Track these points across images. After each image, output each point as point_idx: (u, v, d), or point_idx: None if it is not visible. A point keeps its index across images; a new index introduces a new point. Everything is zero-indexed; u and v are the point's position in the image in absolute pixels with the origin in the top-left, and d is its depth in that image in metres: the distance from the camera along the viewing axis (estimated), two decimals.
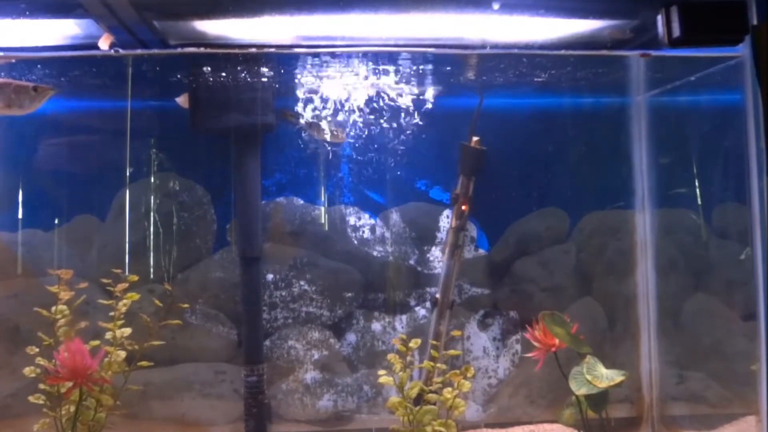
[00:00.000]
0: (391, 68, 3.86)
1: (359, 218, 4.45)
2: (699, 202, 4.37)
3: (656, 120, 4.36)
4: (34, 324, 3.54)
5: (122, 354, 3.45)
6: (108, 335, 3.47)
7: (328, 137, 4.20)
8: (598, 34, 3.48)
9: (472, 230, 4.49)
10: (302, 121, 4.20)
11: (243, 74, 3.86)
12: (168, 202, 4.34)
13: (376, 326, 4.39)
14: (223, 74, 3.84)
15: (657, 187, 4.36)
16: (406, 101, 4.30)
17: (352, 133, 4.31)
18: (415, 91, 4.25)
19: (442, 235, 4.45)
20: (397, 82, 4.11)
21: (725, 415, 4.09)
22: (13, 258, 4.21)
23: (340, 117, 4.27)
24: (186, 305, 3.95)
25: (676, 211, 4.48)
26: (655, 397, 4.31)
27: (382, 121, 4.31)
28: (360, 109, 4.28)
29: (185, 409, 4.20)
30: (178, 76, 3.90)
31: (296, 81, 4.07)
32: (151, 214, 4.29)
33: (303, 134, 4.30)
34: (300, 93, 4.21)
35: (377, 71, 3.91)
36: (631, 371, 3.97)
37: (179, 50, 3.44)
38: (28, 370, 3.37)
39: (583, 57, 3.75)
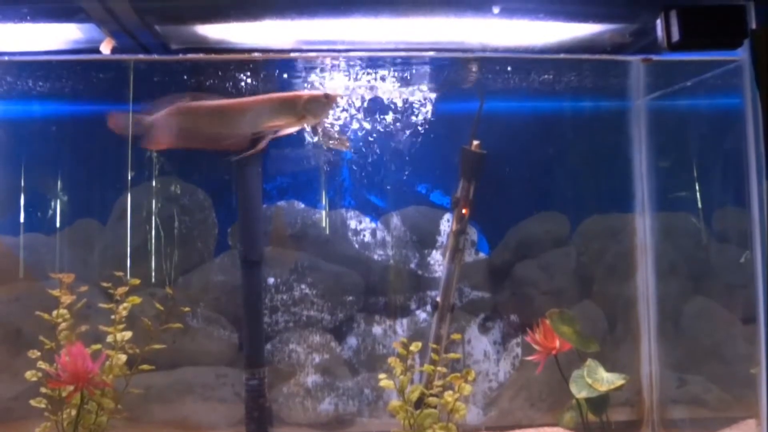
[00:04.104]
0: (392, 72, 3.88)
1: (360, 222, 4.46)
2: (699, 205, 4.38)
3: (656, 124, 4.37)
4: (36, 327, 3.55)
5: (123, 357, 3.45)
6: (109, 339, 3.47)
7: (332, 144, 4.20)
8: (598, 38, 3.50)
9: (473, 234, 4.50)
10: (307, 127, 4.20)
11: (244, 78, 3.87)
12: (169, 205, 4.35)
13: (377, 330, 4.39)
14: (225, 78, 3.86)
15: (657, 190, 4.36)
16: (406, 105, 4.31)
17: (352, 137, 4.31)
18: (416, 94, 4.26)
19: (442, 238, 4.46)
20: (397, 86, 4.12)
21: (725, 418, 4.09)
22: (15, 262, 4.22)
23: (341, 122, 4.27)
24: (187, 309, 3.96)
25: (676, 215, 4.49)
26: (655, 401, 4.31)
27: (382, 125, 4.32)
28: (360, 113, 4.29)
29: (186, 413, 4.20)
30: (180, 78, 3.91)
31: (297, 85, 4.07)
32: (153, 217, 4.30)
33: (305, 142, 4.29)
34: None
35: (378, 75, 3.92)
36: (631, 374, 3.97)
37: (181, 55, 3.45)
38: (29, 374, 3.37)
39: (583, 61, 3.76)
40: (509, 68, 3.86)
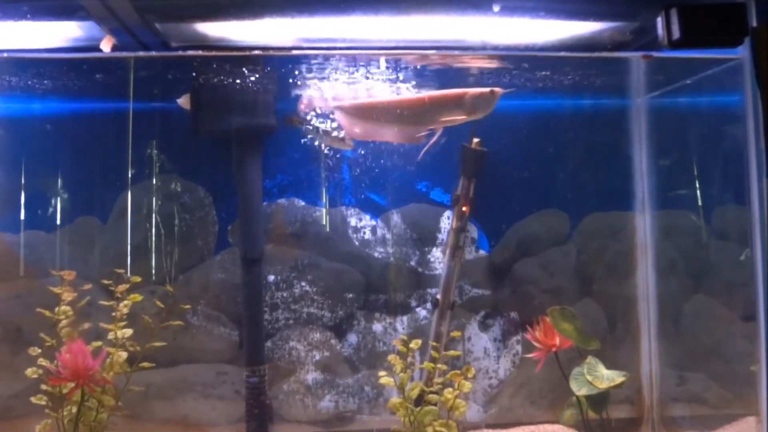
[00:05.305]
0: (392, 69, 3.88)
1: (360, 219, 4.46)
2: (699, 203, 4.38)
3: (656, 122, 4.37)
4: (37, 325, 3.56)
5: (124, 355, 3.46)
6: (110, 336, 3.48)
7: (335, 144, 4.19)
8: (599, 36, 3.49)
9: (473, 231, 4.50)
10: (310, 127, 4.18)
11: (244, 76, 3.87)
12: (170, 203, 4.35)
13: (377, 327, 4.40)
14: (225, 76, 3.86)
15: (657, 188, 4.37)
16: None
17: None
18: (416, 92, 4.26)
19: (442, 236, 4.46)
20: (397, 83, 4.12)
21: (725, 416, 4.10)
22: (16, 259, 4.22)
23: None
24: (187, 306, 3.97)
25: (677, 213, 4.49)
26: (655, 398, 4.32)
27: None
28: None
29: (187, 410, 4.21)
30: (180, 76, 3.91)
31: (297, 83, 4.08)
32: (153, 215, 4.30)
33: (307, 139, 4.28)
34: (301, 95, 4.21)
35: (378, 73, 3.92)
36: (631, 372, 3.98)
37: (180, 53, 3.45)
38: (30, 371, 3.38)
39: (583, 59, 3.76)
40: (509, 66, 3.86)
